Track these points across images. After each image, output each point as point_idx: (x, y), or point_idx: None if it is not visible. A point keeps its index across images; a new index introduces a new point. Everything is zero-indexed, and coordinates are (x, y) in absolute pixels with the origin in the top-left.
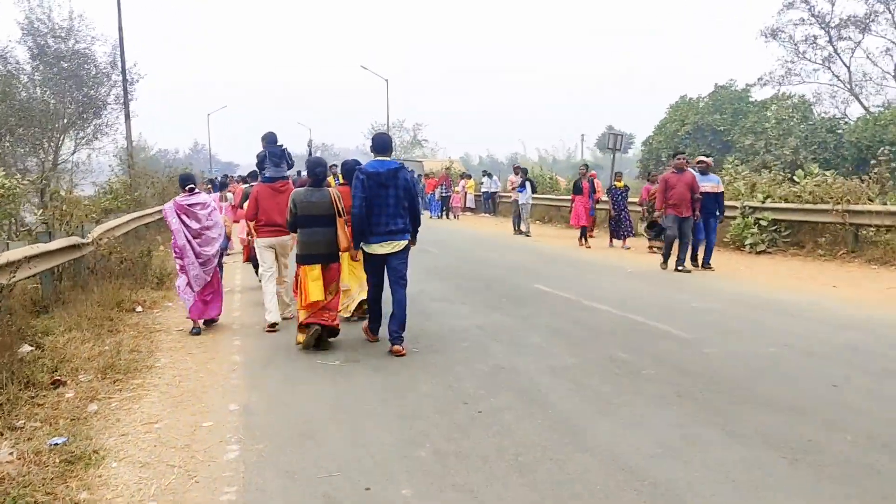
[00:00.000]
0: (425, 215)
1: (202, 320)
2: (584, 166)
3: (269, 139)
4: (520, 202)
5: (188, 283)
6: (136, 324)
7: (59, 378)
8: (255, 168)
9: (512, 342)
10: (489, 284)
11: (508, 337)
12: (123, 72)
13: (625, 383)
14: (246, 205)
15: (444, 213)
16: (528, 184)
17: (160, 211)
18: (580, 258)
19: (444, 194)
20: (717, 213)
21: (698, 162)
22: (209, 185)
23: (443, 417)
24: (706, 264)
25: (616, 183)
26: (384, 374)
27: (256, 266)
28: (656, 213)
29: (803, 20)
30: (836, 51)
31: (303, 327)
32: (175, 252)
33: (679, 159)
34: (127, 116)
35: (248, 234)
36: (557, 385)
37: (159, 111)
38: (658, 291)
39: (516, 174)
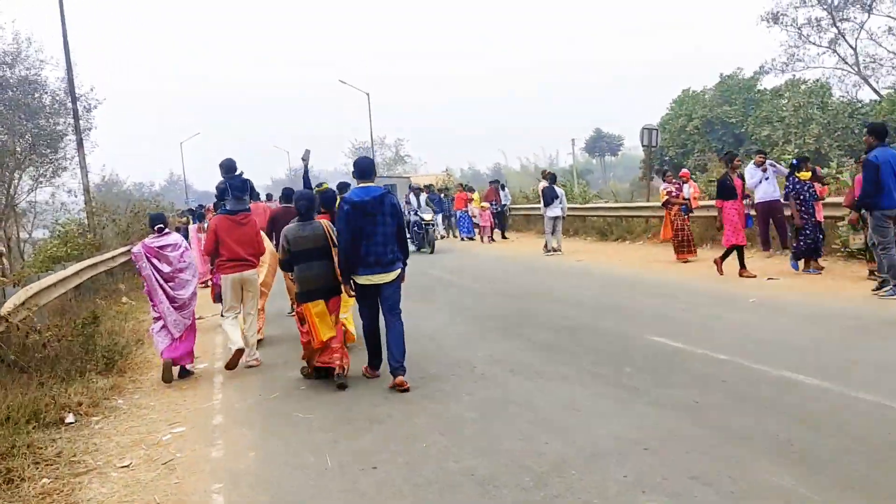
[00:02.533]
0: (444, 237)
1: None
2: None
3: (228, 168)
4: (549, 215)
5: (161, 329)
6: (58, 456)
7: None
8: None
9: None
10: (577, 336)
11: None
12: (72, 89)
13: None
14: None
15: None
16: (560, 192)
17: (125, 253)
18: (684, 285)
19: (495, 210)
20: None
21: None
22: (188, 217)
23: None
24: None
25: (801, 174)
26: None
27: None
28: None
29: (804, 2)
30: (840, 33)
31: (313, 370)
32: (151, 299)
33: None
34: (80, 145)
35: (211, 274)
36: None
37: (133, 144)
38: None
39: (545, 178)
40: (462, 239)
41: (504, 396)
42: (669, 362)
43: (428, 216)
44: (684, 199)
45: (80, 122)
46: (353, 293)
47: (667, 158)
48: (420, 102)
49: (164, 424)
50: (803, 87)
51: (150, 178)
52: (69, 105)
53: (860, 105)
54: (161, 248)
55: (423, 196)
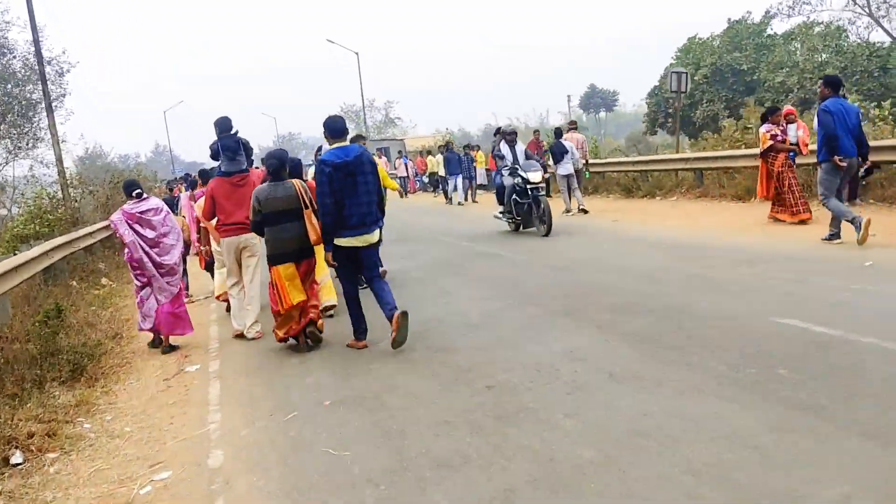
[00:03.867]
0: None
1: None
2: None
3: (222, 126)
4: (560, 173)
5: (145, 300)
6: None
7: None
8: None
9: None
10: (675, 322)
11: None
12: (37, 48)
13: None
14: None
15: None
16: (569, 145)
17: (105, 228)
18: (768, 250)
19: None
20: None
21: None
22: (181, 186)
23: None
24: None
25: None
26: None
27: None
28: None
29: None
30: None
31: (286, 338)
32: (132, 266)
33: None
34: (49, 109)
35: (199, 242)
36: None
37: (116, 115)
38: None
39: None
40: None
41: (621, 420)
42: (830, 359)
43: (536, 176)
44: (791, 144)
45: (53, 87)
46: (333, 262)
47: (670, 111)
48: (408, 62)
49: (142, 465)
50: (816, 29)
51: (135, 149)
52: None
53: (878, 47)
54: (142, 213)
55: (521, 147)
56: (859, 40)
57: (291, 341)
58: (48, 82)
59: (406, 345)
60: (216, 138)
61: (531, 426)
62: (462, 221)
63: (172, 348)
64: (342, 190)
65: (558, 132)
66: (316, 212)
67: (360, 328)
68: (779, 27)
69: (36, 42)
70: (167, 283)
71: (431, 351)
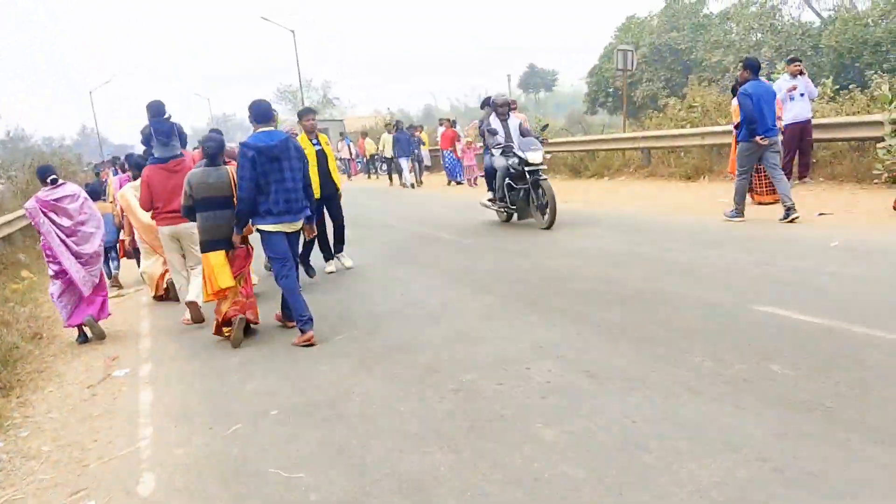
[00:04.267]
0: (439, 179)
1: (92, 322)
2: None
3: (154, 110)
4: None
5: (63, 292)
6: None
7: None
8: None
9: None
10: (650, 311)
11: None
12: None
13: None
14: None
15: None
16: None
17: (23, 216)
18: (733, 231)
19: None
20: None
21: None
22: (110, 168)
23: None
24: None
25: None
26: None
27: (138, 262)
28: None
29: None
30: None
31: (222, 325)
32: (46, 255)
33: None
34: None
35: (125, 231)
36: None
37: (38, 96)
38: None
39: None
40: (449, 183)
41: (610, 430)
42: (823, 352)
43: (536, 157)
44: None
45: None
46: (241, 245)
47: (611, 90)
48: (346, 42)
49: (61, 492)
50: (752, 9)
51: (60, 132)
52: None
53: (809, 27)
54: (57, 200)
55: (516, 121)
56: (792, 20)
57: (241, 321)
58: None
59: (360, 341)
60: (147, 122)
61: (509, 438)
62: (413, 205)
63: (103, 335)
64: (266, 175)
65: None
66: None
67: (303, 317)
68: (714, 7)
69: None
70: (88, 272)
71: (388, 348)
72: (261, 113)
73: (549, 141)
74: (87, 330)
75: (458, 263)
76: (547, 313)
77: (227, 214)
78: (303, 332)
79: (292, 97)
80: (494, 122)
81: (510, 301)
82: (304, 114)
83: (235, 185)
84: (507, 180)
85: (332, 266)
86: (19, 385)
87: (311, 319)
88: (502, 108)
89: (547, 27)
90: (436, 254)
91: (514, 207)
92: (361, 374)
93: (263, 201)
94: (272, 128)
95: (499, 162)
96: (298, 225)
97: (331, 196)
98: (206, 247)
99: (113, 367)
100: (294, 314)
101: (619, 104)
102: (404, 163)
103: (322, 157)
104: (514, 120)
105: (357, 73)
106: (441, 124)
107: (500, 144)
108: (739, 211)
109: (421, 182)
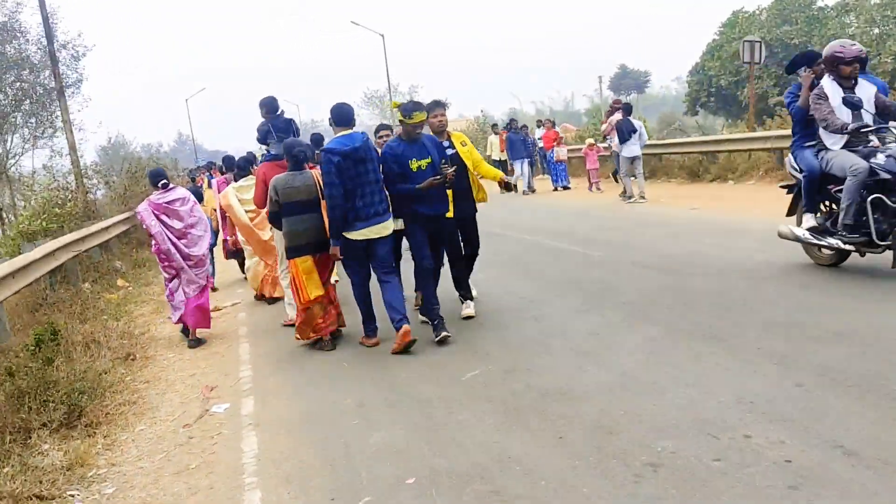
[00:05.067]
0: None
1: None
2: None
3: (270, 107)
4: (626, 155)
5: (179, 288)
6: None
7: None
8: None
9: None
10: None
11: None
12: (46, 26)
13: None
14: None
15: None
16: (638, 124)
17: (122, 221)
18: None
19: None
20: None
21: None
22: (205, 173)
23: None
24: None
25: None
26: None
27: (241, 263)
28: None
29: None
30: None
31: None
32: (160, 258)
33: None
34: (60, 93)
35: (228, 231)
36: None
37: (138, 104)
38: None
39: (615, 109)
40: (556, 189)
41: None
42: None
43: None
44: None
45: (69, 71)
46: (340, 256)
47: (713, 90)
48: (428, 47)
49: None
50: (873, 0)
51: (158, 139)
52: (62, 54)
53: None
54: (169, 203)
55: (871, 89)
56: None
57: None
58: (62, 66)
59: (499, 381)
60: (263, 120)
61: None
62: (520, 211)
63: (199, 342)
64: (353, 179)
65: (628, 108)
66: None
67: (371, 326)
68: None
69: (45, 20)
70: (196, 274)
71: (539, 394)
72: (344, 116)
73: (657, 142)
74: (196, 333)
75: (593, 280)
76: (739, 352)
77: (314, 217)
78: (367, 336)
79: (379, 102)
80: (830, 89)
81: (679, 333)
82: (433, 108)
83: (320, 187)
84: (863, 192)
85: (470, 309)
86: (107, 421)
87: (376, 328)
88: (849, 65)
89: (634, 29)
90: (562, 268)
91: (882, 243)
92: (515, 430)
93: (350, 207)
94: (351, 130)
95: (845, 161)
96: (387, 229)
97: (467, 218)
98: (292, 252)
99: (211, 399)
100: (363, 318)
101: (722, 104)
102: (520, 167)
103: (456, 162)
104: (868, 87)
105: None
106: (540, 125)
107: (844, 127)
108: None
109: (533, 189)
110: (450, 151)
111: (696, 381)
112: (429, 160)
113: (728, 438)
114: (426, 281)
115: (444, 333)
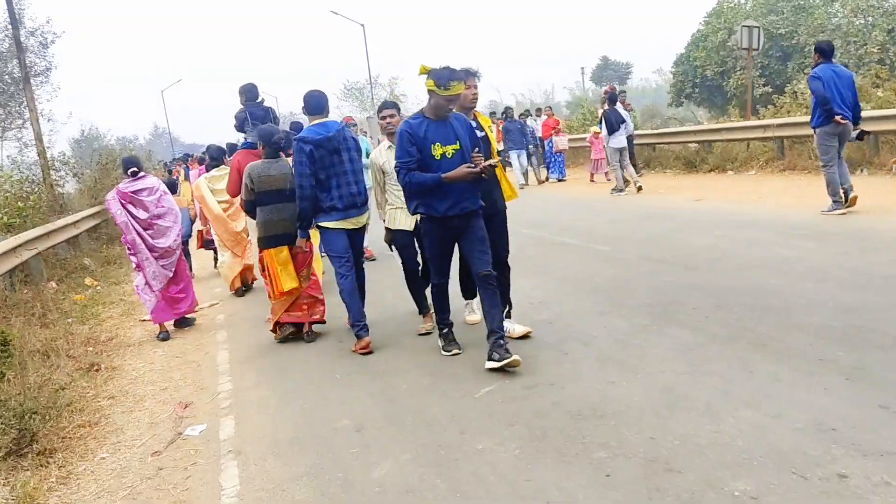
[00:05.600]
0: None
1: (171, 321)
2: None
3: (250, 94)
4: (614, 146)
5: (146, 283)
6: None
7: None
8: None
9: None
10: None
11: None
12: (11, 9)
13: None
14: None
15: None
16: (626, 114)
17: (92, 216)
18: None
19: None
20: None
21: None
22: (181, 165)
23: None
24: None
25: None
26: None
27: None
28: None
29: None
30: None
31: (277, 326)
32: (128, 248)
33: None
34: (25, 80)
35: (201, 221)
36: None
37: (111, 95)
38: None
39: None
40: (546, 179)
41: None
42: None
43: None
44: None
45: (37, 59)
46: (305, 249)
47: (698, 80)
48: (403, 38)
49: None
50: None
51: (133, 131)
52: (25, 43)
53: None
54: (136, 192)
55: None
56: None
57: (288, 328)
58: (31, 53)
59: (519, 398)
60: (242, 107)
61: None
62: (517, 204)
63: (186, 322)
64: (327, 169)
65: (613, 98)
66: None
67: (359, 323)
68: None
69: (10, 4)
70: (161, 266)
71: (568, 415)
72: (317, 103)
73: (650, 132)
74: (165, 327)
75: (605, 277)
76: (796, 363)
77: (290, 208)
78: (359, 337)
79: (359, 94)
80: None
81: (716, 338)
82: (465, 78)
83: None
84: None
85: (476, 315)
86: (63, 447)
87: (367, 326)
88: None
89: (614, 22)
90: (570, 265)
91: None
92: (547, 462)
93: (326, 197)
94: (325, 119)
95: None
96: (363, 220)
97: (495, 214)
98: (267, 242)
99: (185, 419)
100: (350, 318)
101: (707, 94)
102: (516, 157)
103: (487, 149)
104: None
105: (415, 67)
106: (539, 113)
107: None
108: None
109: (542, 179)
110: (480, 134)
111: (755, 399)
112: (456, 146)
113: (819, 479)
114: (446, 298)
115: (509, 358)
